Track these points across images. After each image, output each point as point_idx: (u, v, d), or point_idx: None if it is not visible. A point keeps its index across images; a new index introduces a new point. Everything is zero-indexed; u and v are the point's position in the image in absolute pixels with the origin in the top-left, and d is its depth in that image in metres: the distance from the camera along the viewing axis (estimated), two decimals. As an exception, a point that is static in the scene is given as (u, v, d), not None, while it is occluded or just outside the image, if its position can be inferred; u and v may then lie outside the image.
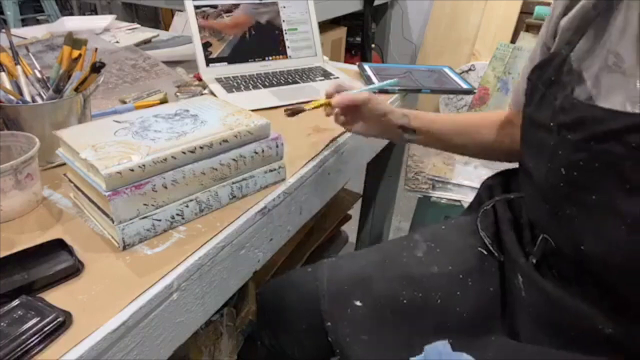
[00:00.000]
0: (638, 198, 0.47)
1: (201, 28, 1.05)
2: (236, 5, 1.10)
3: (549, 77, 0.57)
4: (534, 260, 0.61)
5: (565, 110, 0.53)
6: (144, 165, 0.53)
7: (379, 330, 0.68)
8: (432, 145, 0.83)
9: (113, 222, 0.53)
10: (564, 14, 0.59)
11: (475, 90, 1.10)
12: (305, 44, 1.17)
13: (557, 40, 0.60)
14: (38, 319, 0.44)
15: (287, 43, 1.15)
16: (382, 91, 1.04)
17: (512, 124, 0.75)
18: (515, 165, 0.75)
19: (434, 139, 0.78)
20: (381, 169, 1.29)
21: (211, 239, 0.57)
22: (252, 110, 0.68)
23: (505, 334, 0.64)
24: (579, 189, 0.52)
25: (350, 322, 0.69)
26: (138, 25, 1.53)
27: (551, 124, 0.54)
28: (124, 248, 0.55)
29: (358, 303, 0.70)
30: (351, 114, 0.74)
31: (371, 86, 0.86)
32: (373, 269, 0.73)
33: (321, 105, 0.72)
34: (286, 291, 0.79)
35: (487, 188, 0.80)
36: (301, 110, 0.70)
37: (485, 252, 0.72)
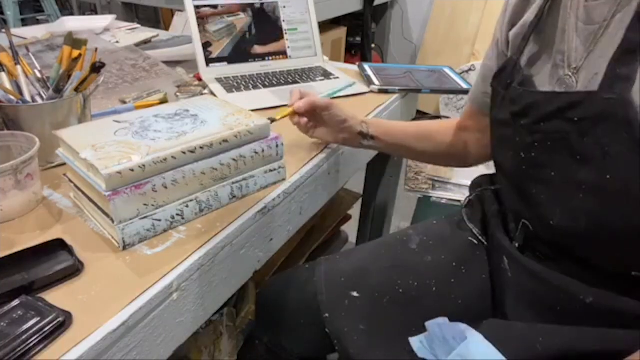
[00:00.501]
0: (589, 167, 0.51)
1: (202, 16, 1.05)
2: (236, 6, 1.10)
3: (506, 81, 0.63)
4: (517, 245, 0.64)
5: (515, 100, 0.59)
6: (144, 165, 0.53)
7: (376, 319, 0.70)
8: (389, 152, 0.89)
9: (113, 222, 0.53)
10: (512, 25, 0.66)
11: (475, 90, 1.09)
12: (305, 44, 1.17)
13: (510, 48, 0.67)
14: (38, 319, 0.44)
15: (287, 43, 1.15)
16: (382, 91, 1.04)
17: (467, 129, 0.79)
18: None
19: (391, 145, 0.81)
20: (381, 169, 1.29)
21: (211, 239, 0.57)
22: (252, 110, 0.68)
23: (496, 317, 0.66)
24: (538, 168, 0.57)
25: (348, 312, 0.71)
26: (138, 25, 1.53)
27: (509, 119, 0.60)
28: (124, 248, 0.55)
29: (355, 294, 0.72)
30: (313, 119, 0.77)
31: (329, 92, 0.96)
32: (369, 261, 0.77)
33: (288, 114, 0.74)
34: (285, 288, 0.81)
35: (476, 185, 0.83)
36: (273, 121, 0.72)
37: (475, 242, 0.75)
